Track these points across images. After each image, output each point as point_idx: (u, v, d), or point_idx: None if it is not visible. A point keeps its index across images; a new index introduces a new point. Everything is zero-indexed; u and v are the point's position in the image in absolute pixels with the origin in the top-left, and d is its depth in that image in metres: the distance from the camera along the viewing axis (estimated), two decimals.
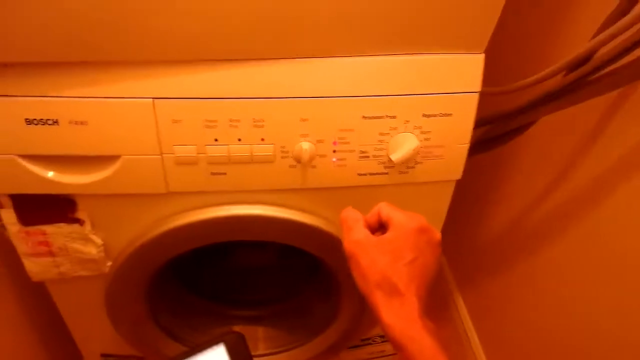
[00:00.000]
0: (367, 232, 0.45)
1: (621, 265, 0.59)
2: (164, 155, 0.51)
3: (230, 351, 0.35)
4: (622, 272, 0.59)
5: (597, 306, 0.64)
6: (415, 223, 0.45)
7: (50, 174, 0.51)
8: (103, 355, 0.77)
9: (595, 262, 0.64)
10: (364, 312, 0.69)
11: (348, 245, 0.45)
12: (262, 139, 0.51)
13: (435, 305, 1.20)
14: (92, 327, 0.72)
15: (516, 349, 0.87)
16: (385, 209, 0.46)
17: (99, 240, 0.58)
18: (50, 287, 0.65)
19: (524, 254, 0.81)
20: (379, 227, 0.47)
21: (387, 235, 0.44)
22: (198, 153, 0.51)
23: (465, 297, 1.10)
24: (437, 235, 0.46)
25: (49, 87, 0.46)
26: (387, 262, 0.42)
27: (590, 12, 0.60)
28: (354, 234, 0.45)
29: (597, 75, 0.52)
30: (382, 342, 0.80)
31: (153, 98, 0.48)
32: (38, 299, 0.76)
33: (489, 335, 0.97)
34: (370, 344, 0.80)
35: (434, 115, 0.51)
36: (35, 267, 0.60)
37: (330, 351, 0.75)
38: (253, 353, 0.75)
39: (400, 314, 0.41)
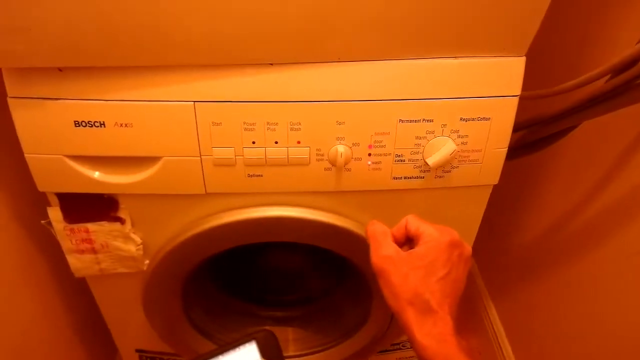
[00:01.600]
0: (397, 247, 0.44)
1: None
2: (203, 157, 0.52)
3: (262, 349, 0.36)
4: None
5: (633, 319, 0.62)
6: (447, 237, 0.43)
7: (97, 174, 0.53)
8: (138, 350, 0.79)
9: (634, 274, 0.61)
10: (394, 317, 0.68)
11: (377, 260, 0.43)
12: (299, 142, 0.51)
13: (467, 314, 1.18)
14: (128, 323, 0.74)
15: (547, 356, 0.84)
16: (414, 222, 0.45)
17: (138, 239, 0.60)
18: (90, 283, 0.68)
19: (559, 263, 0.79)
20: (406, 242, 0.46)
21: (419, 249, 0.43)
22: (236, 155, 0.52)
23: (498, 305, 1.07)
24: (468, 249, 0.44)
25: (96, 90, 0.48)
26: (420, 278, 0.41)
27: (637, 14, 0.58)
28: (384, 249, 0.44)
29: None
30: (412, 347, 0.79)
31: (194, 101, 0.49)
32: (77, 295, 0.78)
33: (522, 345, 0.95)
34: (400, 349, 0.79)
35: (472, 119, 0.51)
36: (78, 263, 0.62)
37: (360, 355, 0.74)
38: (283, 354, 0.76)
39: (433, 333, 0.39)
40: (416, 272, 0.41)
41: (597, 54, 0.68)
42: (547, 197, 0.84)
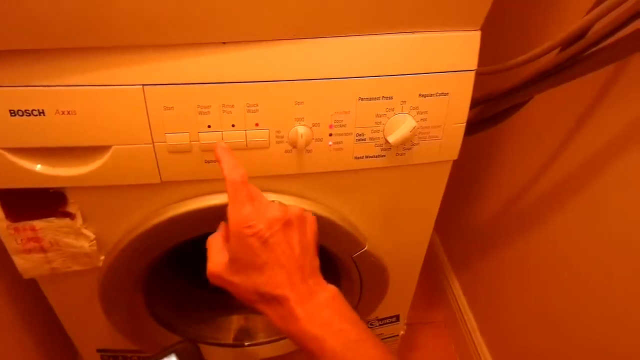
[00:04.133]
0: (219, 258, 0.43)
1: (614, 244, 0.59)
2: (155, 143, 0.49)
3: None
4: (615, 250, 0.59)
5: (589, 284, 0.65)
6: (232, 225, 0.41)
7: (38, 167, 0.49)
8: (99, 350, 0.76)
9: (589, 241, 0.64)
10: (363, 296, 0.69)
11: (210, 279, 0.44)
12: (257, 124, 0.50)
13: (431, 287, 1.22)
14: (87, 323, 0.70)
15: (511, 328, 0.88)
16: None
17: (91, 234, 0.57)
18: (42, 283, 0.64)
19: (518, 233, 0.82)
20: None
21: (230, 252, 0.42)
22: (191, 140, 0.50)
23: (460, 278, 1.11)
24: (268, 217, 0.41)
25: (33, 76, 0.44)
26: (245, 280, 0.41)
27: None
28: (209, 266, 0.44)
29: (592, 50, 0.52)
30: (380, 325, 0.80)
31: (143, 85, 0.46)
32: (30, 296, 0.74)
33: (485, 316, 0.99)
34: (369, 327, 0.80)
35: (431, 95, 0.51)
36: (26, 263, 0.58)
37: None
38: (253, 342, 0.75)
39: (288, 318, 0.40)
40: (238, 276, 0.42)
41: (549, 27, 0.70)
42: (504, 170, 0.86)
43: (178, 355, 0.34)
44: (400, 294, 0.76)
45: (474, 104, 0.68)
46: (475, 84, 0.52)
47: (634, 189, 0.55)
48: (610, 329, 0.62)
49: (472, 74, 0.51)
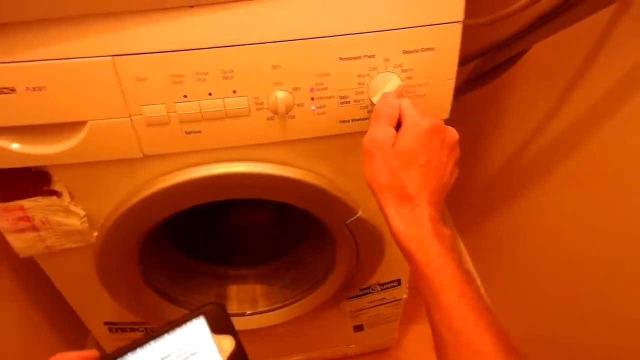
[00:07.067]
0: (390, 131, 0.43)
1: (620, 199, 0.57)
2: (132, 117, 0.48)
3: (211, 323, 0.34)
4: (618, 203, 0.57)
5: (593, 241, 0.63)
6: (427, 122, 0.42)
7: (15, 146, 0.48)
8: (106, 323, 0.78)
9: (593, 198, 0.62)
10: (360, 262, 0.68)
11: (366, 140, 0.43)
12: (234, 91, 0.48)
13: None
14: (91, 298, 0.72)
15: (516, 288, 0.87)
16: (403, 104, 0.44)
17: (80, 211, 0.57)
18: (41, 262, 0.64)
19: (522, 193, 0.80)
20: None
21: (401, 136, 0.42)
22: (168, 112, 0.48)
23: (465, 239, 1.09)
24: (452, 135, 0.43)
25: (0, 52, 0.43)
26: (399, 165, 0.41)
27: None
28: (375, 130, 0.43)
29: None
30: (382, 290, 0.80)
31: (112, 56, 0.44)
32: (36, 276, 0.76)
33: (490, 276, 0.98)
34: (370, 292, 0.80)
35: (415, 51, 0.48)
36: (20, 243, 0.58)
37: (330, 303, 0.75)
38: (253, 311, 0.75)
39: (409, 219, 0.40)
40: (397, 159, 0.41)
41: None
42: (506, 127, 0.83)
43: (206, 317, 0.34)
44: (400, 258, 0.74)
45: (469, 59, 0.65)
46: (469, 38, 0.49)
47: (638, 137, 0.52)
48: (613, 285, 0.61)
49: (459, 25, 0.47)
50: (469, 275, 0.38)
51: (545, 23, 0.53)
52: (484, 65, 0.65)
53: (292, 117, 0.51)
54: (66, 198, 0.55)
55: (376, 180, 0.42)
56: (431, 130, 0.42)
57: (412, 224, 0.40)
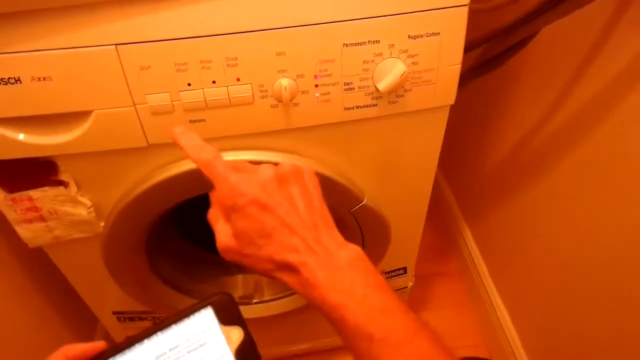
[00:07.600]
0: (226, 231, 0.38)
1: (625, 184, 0.56)
2: (137, 106, 0.48)
3: (219, 314, 0.34)
4: (634, 190, 0.56)
5: (601, 229, 0.62)
6: (224, 200, 0.37)
7: (21, 137, 0.48)
8: (115, 312, 0.79)
9: (602, 186, 0.61)
10: (365, 250, 0.68)
11: (222, 255, 0.38)
12: (238, 79, 0.48)
13: (443, 238, 1.21)
14: (99, 287, 0.72)
15: (524, 276, 0.87)
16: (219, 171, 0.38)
17: (87, 201, 0.57)
18: (49, 252, 0.65)
19: (529, 181, 0.79)
20: None
21: (231, 226, 0.37)
22: (172, 100, 0.48)
23: (472, 228, 1.09)
24: (253, 189, 0.36)
25: (5, 42, 0.43)
26: (257, 251, 0.36)
27: None
28: (218, 243, 0.38)
29: None
30: (388, 278, 0.80)
31: (115, 44, 0.44)
32: (45, 266, 0.76)
33: (497, 265, 0.98)
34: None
35: (421, 36, 0.47)
36: (28, 233, 0.59)
37: None
38: (259, 300, 0.75)
39: (307, 285, 0.35)
40: (249, 248, 0.36)
41: None
42: (514, 113, 0.82)
43: (214, 308, 0.34)
44: (405, 246, 0.75)
45: (475, 44, 0.64)
46: (475, 22, 0.48)
47: None
48: (621, 273, 0.60)
49: (465, 9, 0.47)
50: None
51: (552, 7, 0.52)
52: (490, 52, 0.65)
53: (296, 104, 0.51)
54: (73, 188, 0.55)
55: (262, 271, 0.37)
56: (236, 207, 0.36)
57: (307, 288, 0.35)
